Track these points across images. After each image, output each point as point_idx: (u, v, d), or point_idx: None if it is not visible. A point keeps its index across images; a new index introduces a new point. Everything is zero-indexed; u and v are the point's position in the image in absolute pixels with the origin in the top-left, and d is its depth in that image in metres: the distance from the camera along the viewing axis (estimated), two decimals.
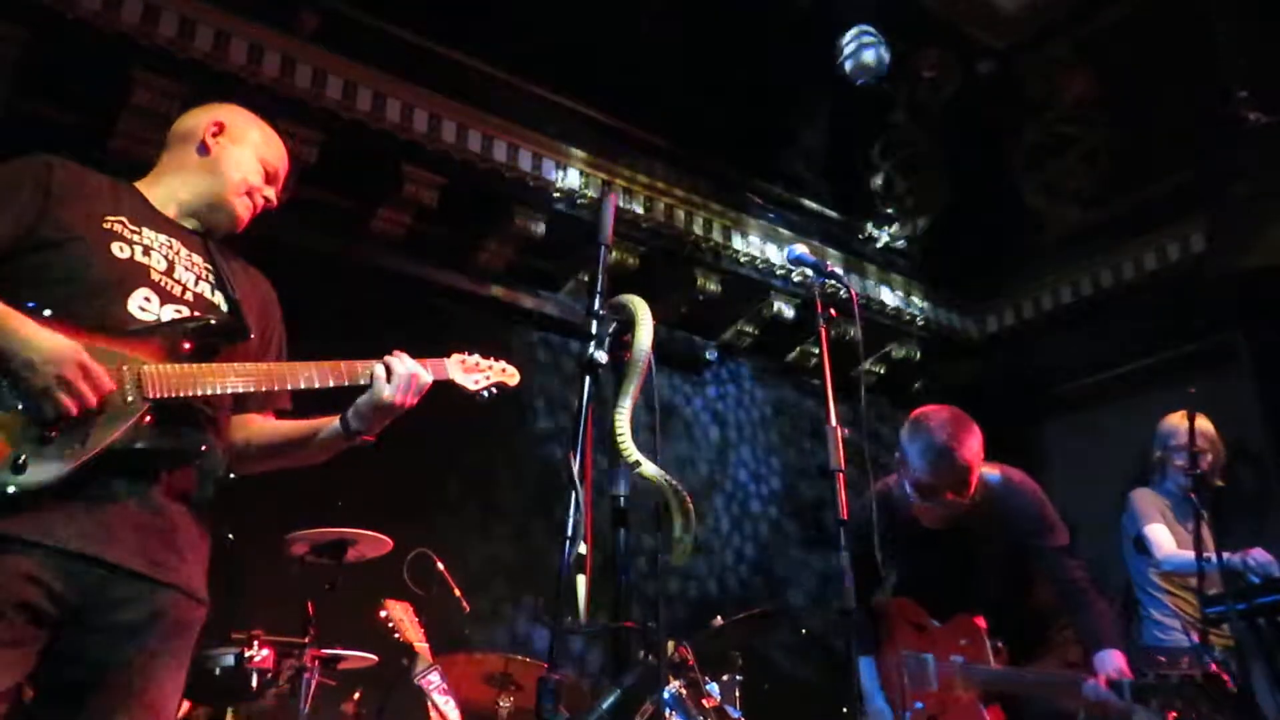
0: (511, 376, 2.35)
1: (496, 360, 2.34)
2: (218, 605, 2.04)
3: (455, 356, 2.28)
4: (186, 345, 1.96)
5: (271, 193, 2.29)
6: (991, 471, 3.37)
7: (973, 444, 3.17)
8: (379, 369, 2.09)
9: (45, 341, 1.77)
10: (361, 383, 2.10)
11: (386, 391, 2.08)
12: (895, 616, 3.40)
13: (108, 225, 2.00)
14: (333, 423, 2.16)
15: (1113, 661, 2.97)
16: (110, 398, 1.81)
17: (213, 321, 2.05)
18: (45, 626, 1.78)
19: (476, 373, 2.29)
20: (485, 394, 2.30)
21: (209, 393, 1.95)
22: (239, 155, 2.22)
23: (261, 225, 2.35)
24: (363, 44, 5.20)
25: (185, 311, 2.02)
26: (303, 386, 2.07)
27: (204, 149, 2.20)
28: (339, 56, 5.12)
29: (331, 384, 2.08)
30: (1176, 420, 4.48)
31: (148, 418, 1.86)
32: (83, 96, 4.69)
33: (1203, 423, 4.42)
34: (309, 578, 3.88)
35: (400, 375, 2.09)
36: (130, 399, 1.84)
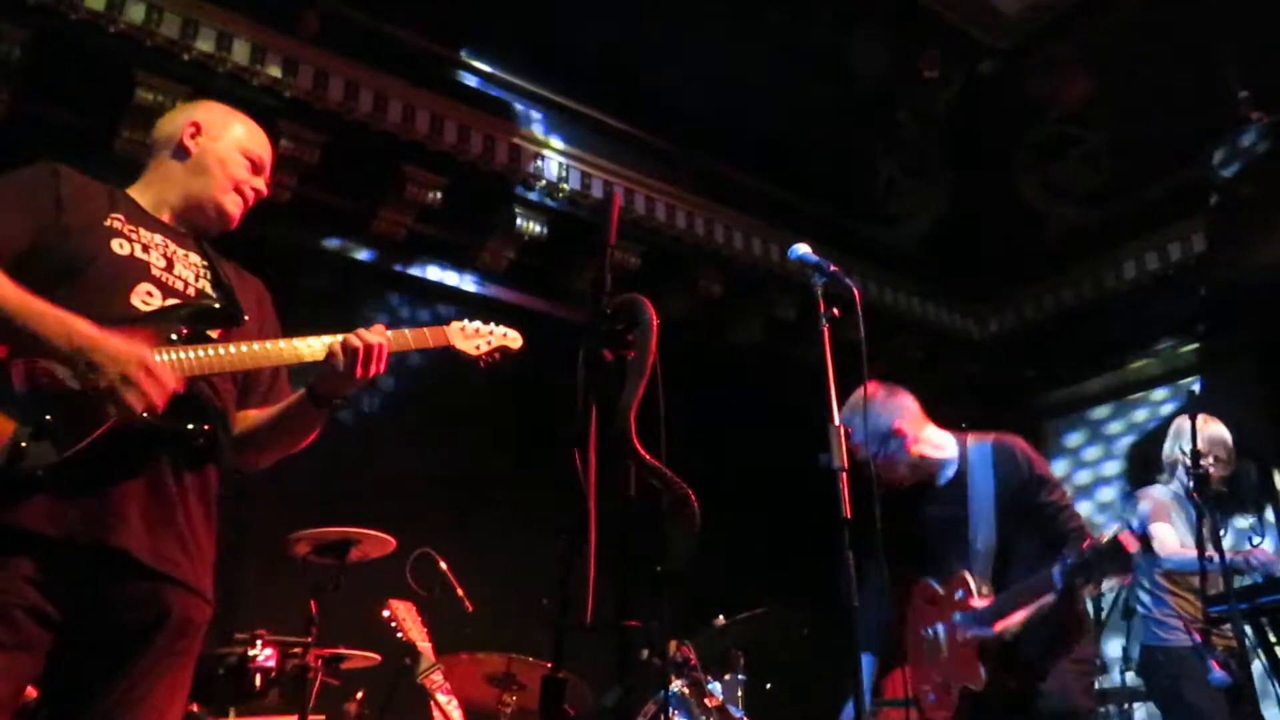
0: (514, 340, 2.34)
1: (497, 325, 2.34)
2: (220, 604, 2.05)
3: (455, 324, 2.28)
4: (183, 330, 1.98)
5: (260, 183, 2.29)
6: (980, 442, 3.43)
7: (858, 412, 3.07)
8: (336, 345, 2.07)
9: (109, 343, 1.80)
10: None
11: (341, 366, 2.07)
12: (912, 600, 3.42)
13: (108, 224, 2.03)
14: (301, 395, 2.15)
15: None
16: None
17: (216, 306, 2.08)
18: (51, 628, 1.78)
19: (477, 338, 2.29)
20: (488, 360, 2.29)
21: (203, 373, 1.97)
22: (221, 152, 2.22)
23: (263, 225, 2.35)
24: (364, 45, 5.21)
25: None
26: (303, 359, 2.08)
27: (185, 151, 2.21)
28: (341, 58, 5.13)
29: (319, 359, 2.09)
30: (1216, 432, 4.46)
31: None
32: (86, 97, 4.70)
33: (1219, 429, 4.44)
34: (312, 577, 3.88)
35: (355, 348, 2.06)
36: None
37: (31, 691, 2.02)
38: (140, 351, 1.82)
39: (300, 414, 2.16)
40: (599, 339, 1.86)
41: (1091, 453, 7.35)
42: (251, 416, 2.20)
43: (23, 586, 1.74)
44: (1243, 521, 5.75)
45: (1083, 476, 7.36)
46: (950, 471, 3.39)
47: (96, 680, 1.83)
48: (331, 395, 2.12)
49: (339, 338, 2.09)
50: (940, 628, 3.27)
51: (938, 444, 3.42)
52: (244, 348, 2.03)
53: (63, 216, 1.97)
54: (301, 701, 3.66)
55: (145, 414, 1.80)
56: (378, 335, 2.10)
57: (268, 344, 2.08)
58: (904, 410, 3.39)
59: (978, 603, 3.15)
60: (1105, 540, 2.90)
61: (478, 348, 2.28)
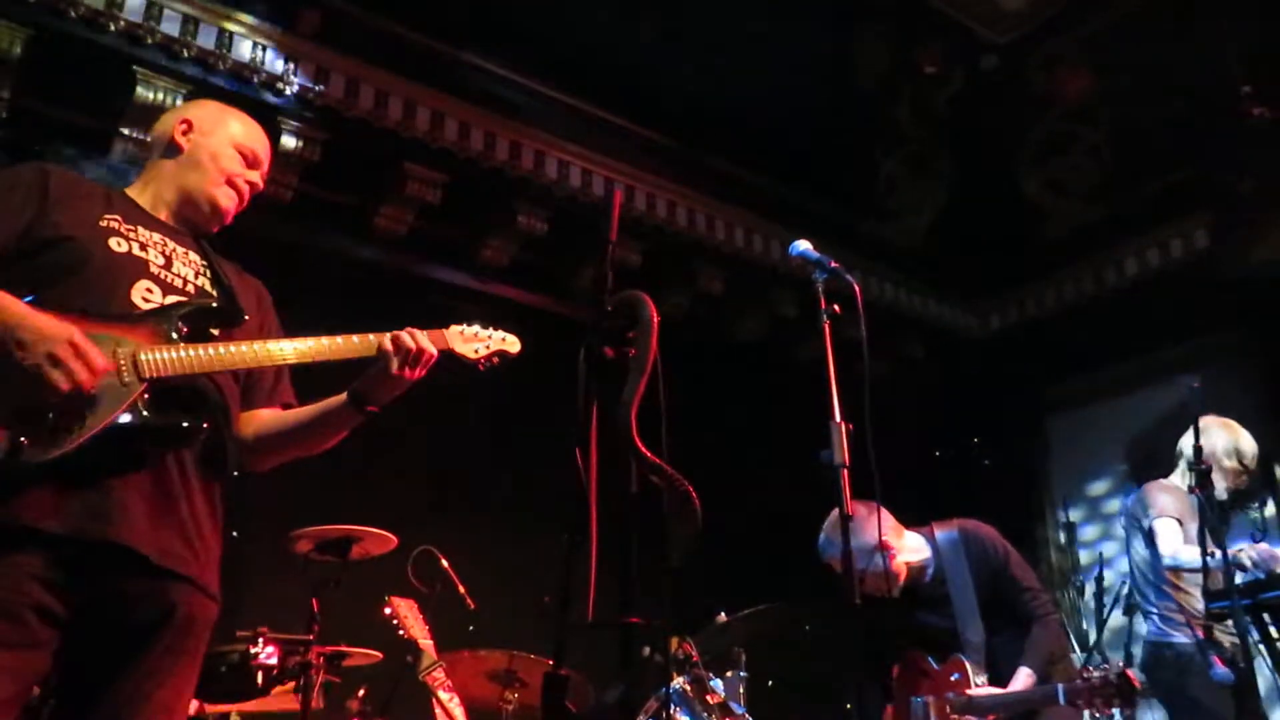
0: (512, 344, 2.32)
1: (496, 329, 2.32)
2: (223, 602, 2.05)
3: (455, 327, 2.26)
4: (184, 328, 1.97)
5: (256, 176, 2.29)
6: (946, 530, 3.78)
7: (834, 544, 3.52)
8: (385, 341, 2.09)
9: (38, 321, 1.78)
10: (366, 355, 2.10)
11: (394, 365, 2.07)
12: (907, 668, 3.73)
13: (104, 223, 2.02)
14: (340, 399, 2.15)
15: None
16: (107, 380, 1.82)
17: (214, 305, 2.08)
18: (58, 627, 1.77)
19: (476, 342, 2.27)
20: (487, 364, 2.28)
21: (204, 371, 1.96)
22: (213, 146, 2.23)
23: (265, 223, 2.34)
24: (365, 42, 5.21)
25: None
26: (307, 360, 2.08)
27: (177, 148, 2.22)
28: (341, 55, 5.13)
29: (336, 357, 2.08)
30: (1248, 441, 4.48)
31: (145, 396, 1.86)
32: (86, 95, 4.70)
33: (1248, 436, 4.46)
34: (314, 575, 3.88)
35: (407, 349, 2.08)
36: (127, 380, 1.85)
37: (34, 689, 2.02)
38: (68, 329, 1.79)
39: (336, 418, 2.15)
40: (600, 336, 1.86)
41: (1093, 449, 7.33)
42: (265, 417, 2.20)
43: (30, 585, 1.74)
44: (1245, 518, 5.75)
45: (1084, 473, 7.36)
46: (930, 569, 3.74)
47: (102, 678, 1.83)
48: (375, 399, 2.12)
49: (370, 336, 2.09)
50: (930, 700, 3.57)
51: (915, 548, 3.76)
52: (244, 347, 2.02)
53: (53, 215, 1.97)
54: (304, 699, 3.66)
55: (73, 393, 1.77)
56: (425, 338, 2.11)
57: (269, 343, 2.07)
58: (885, 523, 3.64)
59: (974, 691, 3.44)
60: (1113, 674, 3.16)
61: (476, 351, 2.27)
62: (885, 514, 3.64)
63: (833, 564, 3.62)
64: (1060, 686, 3.26)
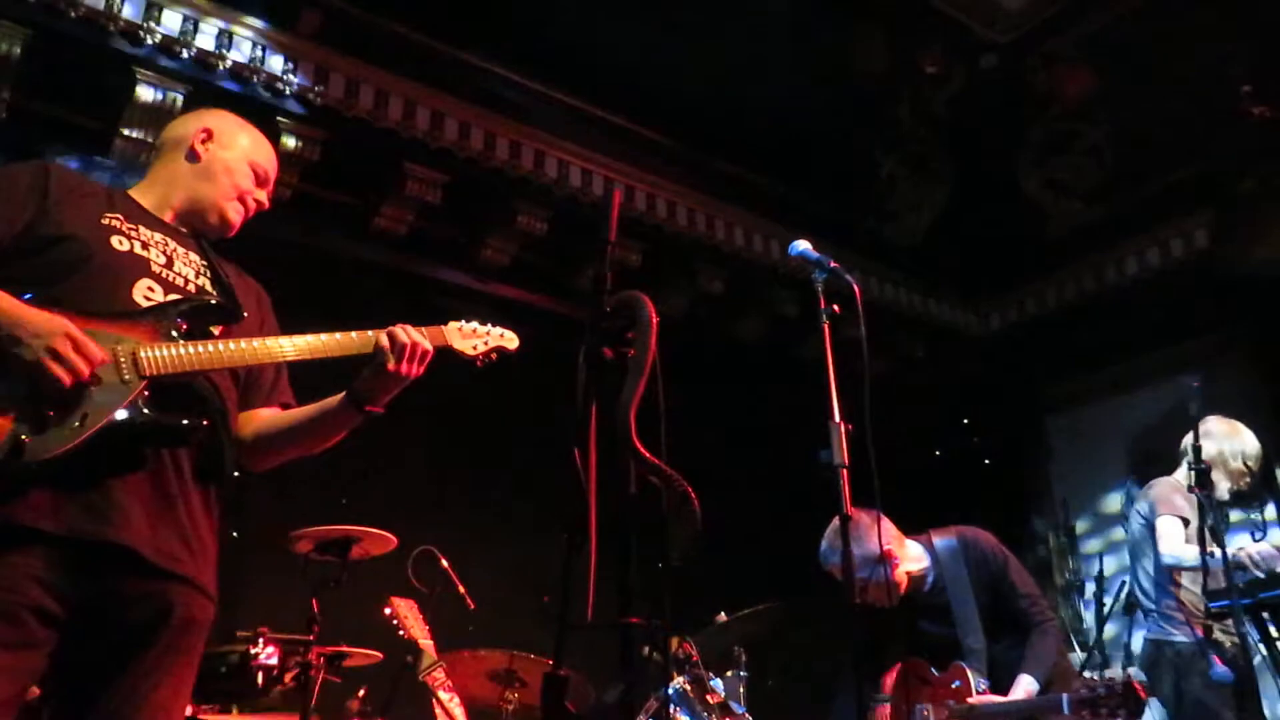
0: (510, 341, 2.32)
1: (494, 325, 2.32)
2: (222, 603, 2.05)
3: (453, 324, 2.27)
4: (182, 325, 1.97)
5: (263, 195, 2.32)
6: (945, 538, 3.80)
7: (837, 552, 3.45)
8: (382, 337, 2.09)
9: (33, 316, 1.79)
10: (364, 352, 2.10)
11: (390, 361, 2.07)
12: (905, 674, 3.75)
13: (106, 222, 2.03)
14: (339, 398, 2.15)
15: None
16: (106, 378, 1.82)
17: (213, 301, 2.08)
18: (55, 627, 1.77)
19: (475, 338, 2.27)
20: (485, 360, 2.28)
21: (204, 369, 1.97)
22: (229, 160, 2.24)
23: (265, 223, 2.35)
24: (365, 42, 5.21)
25: None
26: (305, 357, 2.08)
27: (194, 156, 2.23)
28: (341, 54, 5.13)
29: (333, 354, 2.08)
30: (1253, 443, 4.49)
31: (145, 394, 1.86)
32: (86, 95, 4.70)
33: (1252, 441, 4.47)
34: (314, 575, 3.88)
35: (403, 344, 2.08)
36: (127, 377, 1.85)
37: (34, 690, 2.02)
38: (63, 323, 1.79)
39: (335, 418, 2.16)
40: (599, 336, 1.86)
41: (1093, 448, 7.34)
42: (264, 417, 2.20)
43: (28, 585, 1.74)
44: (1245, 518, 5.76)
45: (1084, 472, 7.35)
46: (931, 578, 3.75)
47: (100, 678, 1.83)
48: (373, 398, 2.12)
49: (368, 332, 2.09)
50: (931, 707, 3.59)
51: (916, 557, 3.77)
52: (243, 344, 2.03)
53: (54, 213, 1.97)
54: (304, 699, 3.66)
55: (74, 386, 1.78)
56: (419, 333, 2.11)
57: (267, 340, 2.07)
58: (888, 532, 3.64)
59: (976, 699, 3.45)
60: (1120, 684, 3.14)
61: (475, 348, 2.27)
62: (887, 522, 3.64)
63: (834, 572, 3.61)
64: (1065, 696, 3.25)
